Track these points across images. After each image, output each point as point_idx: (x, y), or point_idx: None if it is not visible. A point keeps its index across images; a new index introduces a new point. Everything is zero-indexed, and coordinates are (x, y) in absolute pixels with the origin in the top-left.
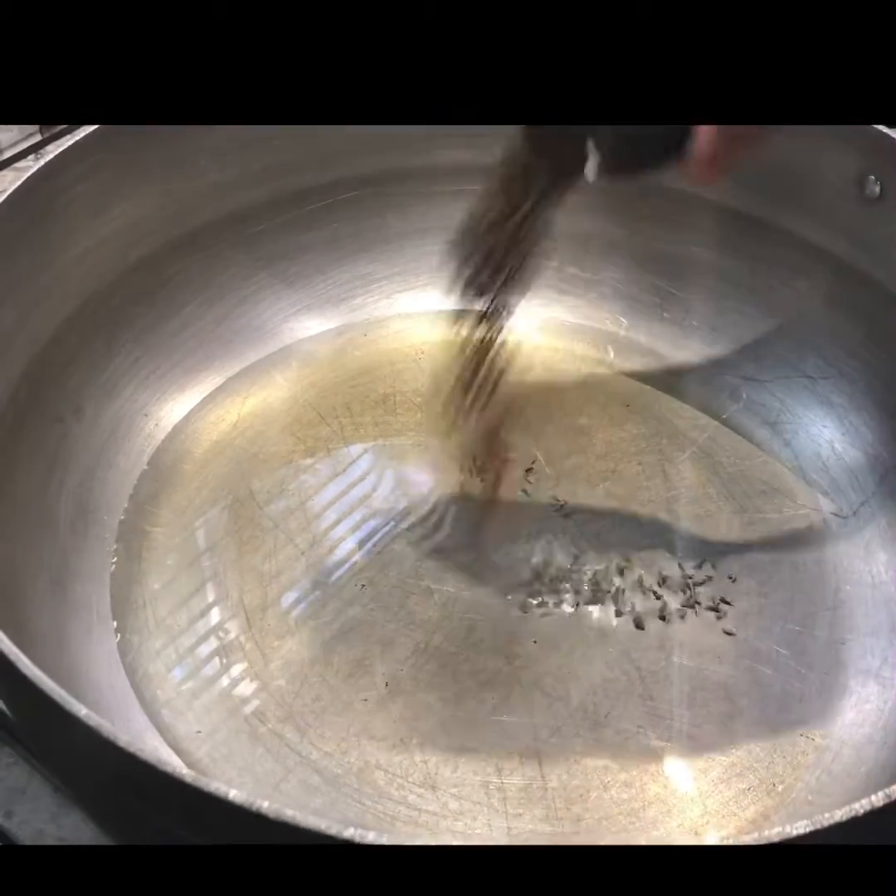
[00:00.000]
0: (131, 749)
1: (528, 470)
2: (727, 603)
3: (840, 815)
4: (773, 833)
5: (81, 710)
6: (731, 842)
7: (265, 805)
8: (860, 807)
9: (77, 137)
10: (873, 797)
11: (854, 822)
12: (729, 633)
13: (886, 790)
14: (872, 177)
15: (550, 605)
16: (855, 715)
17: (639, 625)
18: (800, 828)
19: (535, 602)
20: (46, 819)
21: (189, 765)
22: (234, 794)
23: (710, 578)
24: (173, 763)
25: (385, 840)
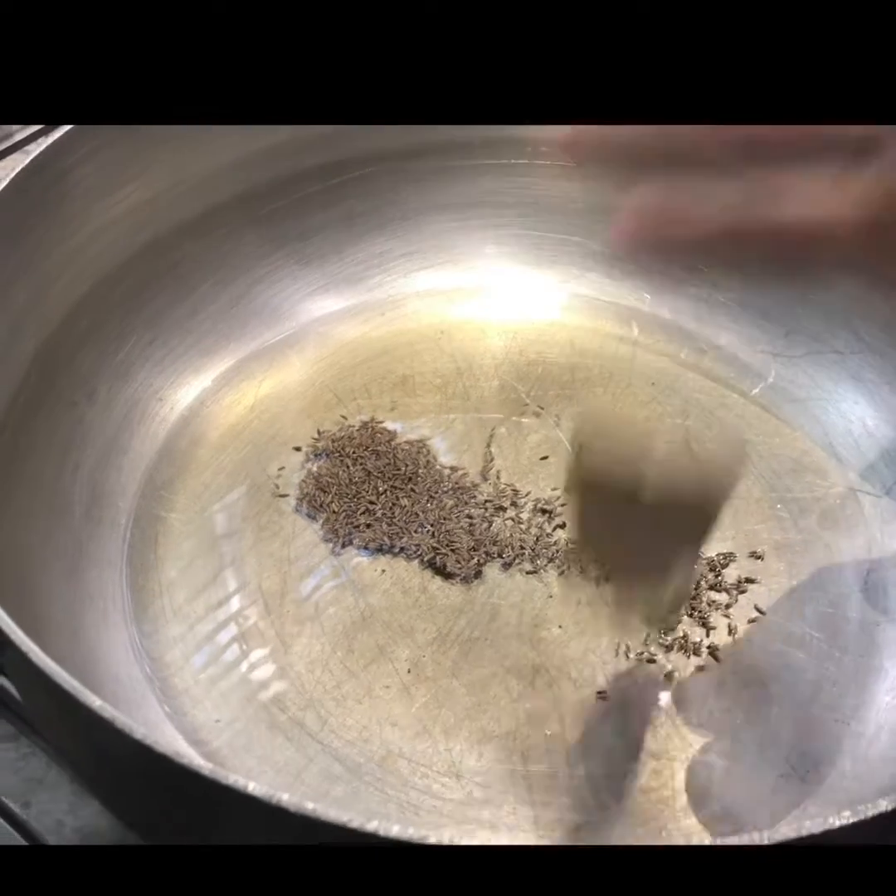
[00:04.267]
0: (147, 741)
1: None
2: (752, 581)
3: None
4: (816, 823)
5: (96, 702)
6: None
7: (285, 798)
8: None
9: None
10: None
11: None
12: (761, 611)
13: None
14: None
15: (575, 587)
16: (891, 699)
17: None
18: (843, 819)
19: (558, 584)
20: (64, 809)
21: (207, 755)
22: (253, 787)
23: (737, 559)
24: (190, 754)
25: (411, 834)
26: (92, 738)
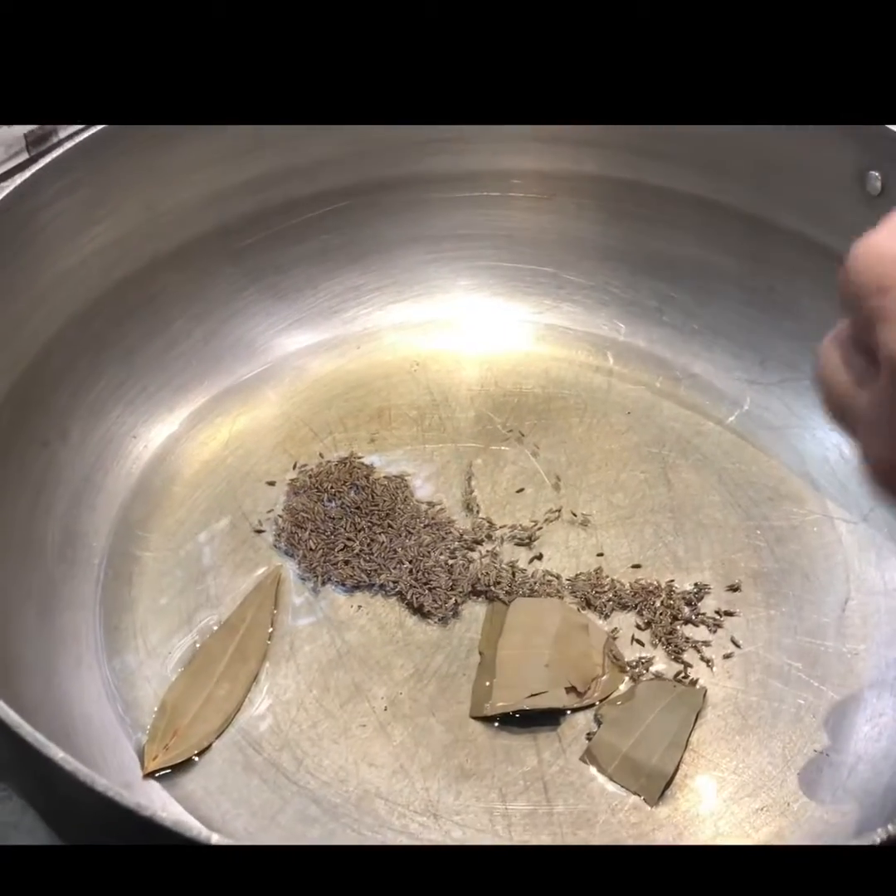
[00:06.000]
0: (109, 793)
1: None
2: (730, 614)
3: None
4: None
5: (58, 754)
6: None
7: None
8: None
9: (55, 155)
10: None
11: None
12: (736, 644)
13: None
14: (874, 172)
15: None
16: (870, 728)
17: (643, 640)
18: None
19: None
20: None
21: (180, 799)
22: (217, 839)
23: (712, 590)
24: (161, 799)
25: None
26: (56, 787)
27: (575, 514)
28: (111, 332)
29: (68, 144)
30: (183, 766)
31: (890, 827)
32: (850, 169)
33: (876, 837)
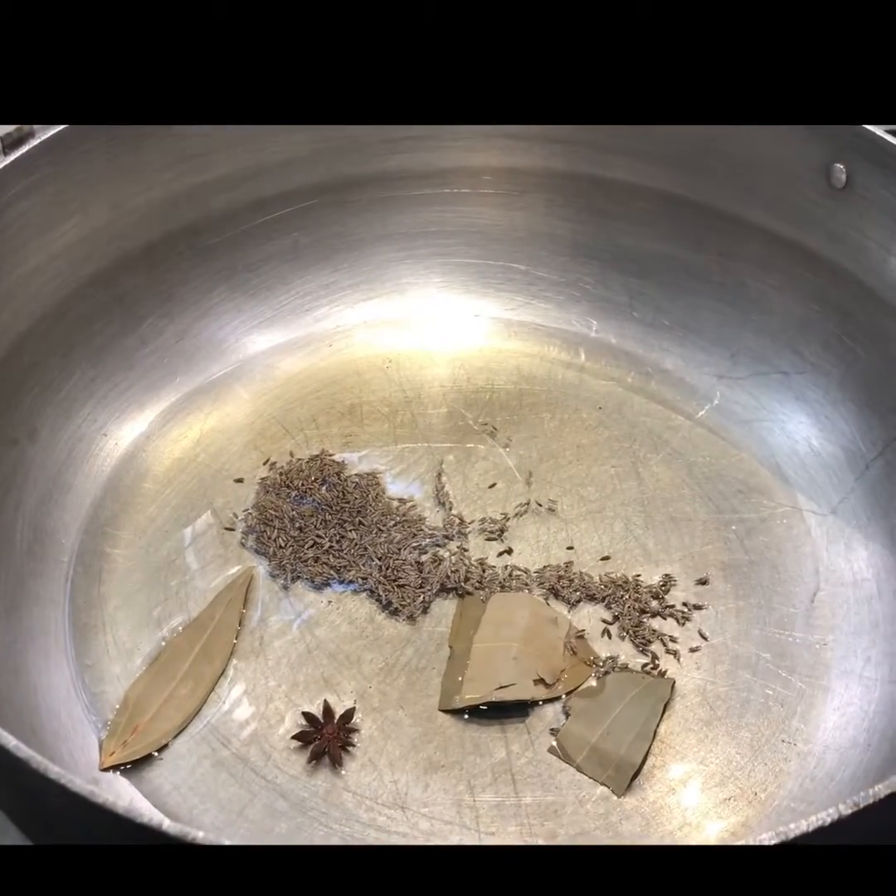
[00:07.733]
0: (62, 780)
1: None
2: (699, 608)
3: (806, 824)
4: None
5: (11, 742)
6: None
7: (200, 835)
8: (828, 816)
9: (19, 153)
10: (841, 806)
11: (821, 831)
12: (704, 637)
13: (854, 797)
14: (838, 165)
15: None
16: (838, 718)
17: (611, 632)
18: (766, 839)
19: None
20: None
21: (148, 794)
22: (168, 825)
23: (679, 583)
24: (128, 794)
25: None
26: (23, 784)
27: (540, 504)
28: (81, 330)
29: (33, 142)
30: (149, 761)
31: (780, 829)
32: (816, 163)
33: (768, 840)
